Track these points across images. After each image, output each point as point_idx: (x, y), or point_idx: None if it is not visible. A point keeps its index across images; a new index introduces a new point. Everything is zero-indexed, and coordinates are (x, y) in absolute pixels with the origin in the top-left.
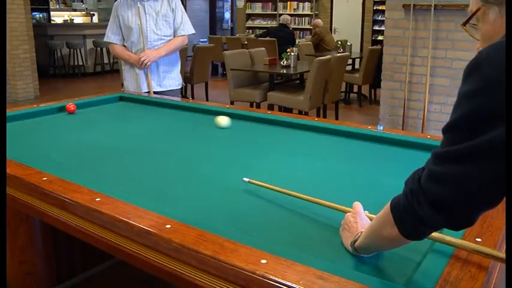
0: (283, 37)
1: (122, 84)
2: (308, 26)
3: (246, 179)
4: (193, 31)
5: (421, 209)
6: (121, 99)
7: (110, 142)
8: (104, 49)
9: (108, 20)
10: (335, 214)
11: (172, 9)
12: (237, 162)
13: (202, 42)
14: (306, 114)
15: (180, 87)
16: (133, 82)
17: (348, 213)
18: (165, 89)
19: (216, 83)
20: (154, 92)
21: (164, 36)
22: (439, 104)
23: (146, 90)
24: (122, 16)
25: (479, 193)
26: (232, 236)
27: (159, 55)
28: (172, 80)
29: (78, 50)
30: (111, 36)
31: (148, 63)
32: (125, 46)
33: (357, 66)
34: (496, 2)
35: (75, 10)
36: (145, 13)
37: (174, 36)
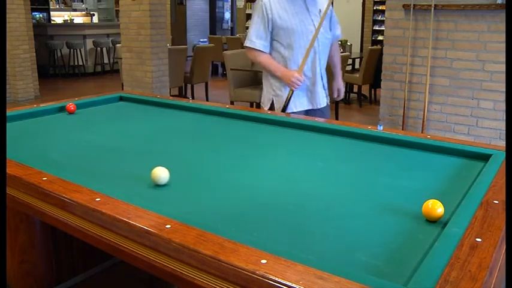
0: None
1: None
2: None
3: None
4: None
5: None
6: (121, 99)
7: (110, 142)
8: (104, 49)
9: (108, 20)
10: (336, 214)
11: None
12: (237, 162)
13: (202, 42)
14: None
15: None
16: (302, 96)
17: None
18: (317, 107)
19: (216, 83)
20: (305, 111)
21: (329, 41)
22: (439, 104)
23: (321, 106)
24: (277, 15)
25: None
26: (232, 236)
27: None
28: (325, 96)
29: (78, 50)
30: (255, 41)
31: (298, 85)
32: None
33: (357, 66)
34: None
35: (75, 10)
36: (308, 12)
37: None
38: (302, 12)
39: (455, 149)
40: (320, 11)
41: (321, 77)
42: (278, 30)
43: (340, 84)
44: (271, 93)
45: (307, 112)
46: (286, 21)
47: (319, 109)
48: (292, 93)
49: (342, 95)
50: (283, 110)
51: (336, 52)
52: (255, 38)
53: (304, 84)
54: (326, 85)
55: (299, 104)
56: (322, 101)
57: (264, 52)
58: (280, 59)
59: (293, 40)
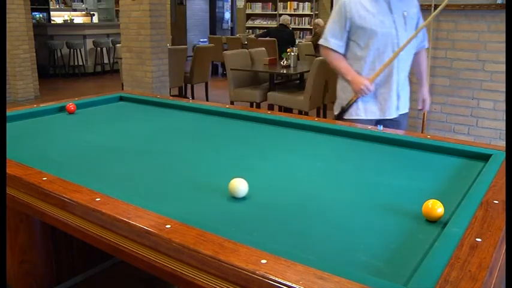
0: (283, 37)
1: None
2: (308, 26)
3: None
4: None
5: None
6: (121, 99)
7: (110, 142)
8: (104, 49)
9: (108, 20)
10: (336, 214)
11: (416, 11)
12: (237, 162)
13: (202, 42)
14: (306, 114)
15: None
16: (373, 104)
17: None
18: (389, 117)
19: (216, 83)
20: (386, 120)
21: (413, 48)
22: (439, 104)
23: (392, 117)
24: (357, 14)
25: None
26: (232, 236)
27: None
28: (407, 101)
29: (78, 50)
30: (330, 39)
31: (365, 93)
32: (343, 55)
33: None
34: None
35: (75, 10)
36: (391, 13)
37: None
38: (384, 13)
39: (455, 149)
40: (404, 14)
41: (397, 86)
42: (356, 29)
43: (425, 94)
44: (341, 97)
45: (378, 121)
46: (366, 21)
47: (391, 119)
48: (356, 100)
49: (427, 107)
50: (340, 115)
51: (423, 61)
52: (330, 37)
53: (376, 92)
54: (407, 94)
55: (370, 112)
56: (394, 111)
57: (337, 52)
58: (355, 60)
59: (371, 41)
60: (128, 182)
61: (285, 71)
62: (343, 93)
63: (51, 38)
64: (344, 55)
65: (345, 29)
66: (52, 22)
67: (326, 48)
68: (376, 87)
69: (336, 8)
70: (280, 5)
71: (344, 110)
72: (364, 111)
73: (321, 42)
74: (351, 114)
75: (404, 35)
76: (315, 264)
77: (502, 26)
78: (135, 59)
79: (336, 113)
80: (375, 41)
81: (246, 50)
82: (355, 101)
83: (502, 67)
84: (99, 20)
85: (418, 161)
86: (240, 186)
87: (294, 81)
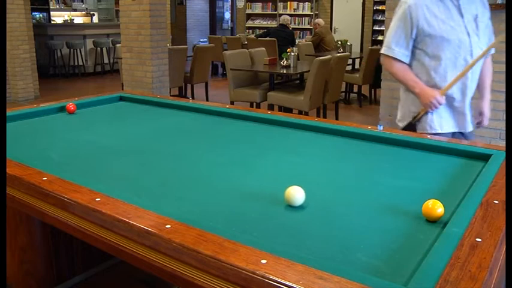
0: (283, 37)
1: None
2: (308, 26)
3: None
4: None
5: None
6: (121, 99)
7: (110, 142)
8: (104, 49)
9: (108, 20)
10: (336, 214)
11: (487, 13)
12: (237, 162)
13: (202, 42)
14: (306, 114)
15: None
16: (449, 117)
17: None
18: (465, 131)
19: (216, 83)
20: (452, 133)
21: (486, 56)
22: None
23: (469, 130)
24: (425, 21)
25: None
26: (232, 236)
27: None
28: (471, 120)
29: (78, 50)
30: (395, 48)
31: (436, 107)
32: (408, 65)
33: (357, 66)
34: None
35: (75, 10)
36: (462, 18)
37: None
38: (454, 18)
39: (455, 149)
40: (476, 16)
41: (470, 97)
42: (424, 37)
43: (485, 107)
44: (411, 110)
45: (453, 134)
46: (435, 28)
47: (465, 133)
48: (425, 113)
49: (486, 122)
50: (409, 128)
51: (488, 70)
52: (395, 46)
53: (450, 104)
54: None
55: (446, 125)
56: (469, 125)
57: (403, 62)
58: (422, 70)
59: (441, 50)
60: (128, 182)
61: (285, 71)
62: (413, 106)
63: (51, 38)
64: (408, 65)
65: (411, 37)
66: (52, 22)
67: (389, 58)
68: (449, 99)
69: (399, 12)
70: (280, 5)
71: (412, 124)
72: (439, 125)
73: (383, 51)
74: (425, 128)
75: (477, 41)
76: (315, 264)
77: (502, 26)
78: (135, 59)
79: (401, 124)
80: (446, 50)
81: (246, 50)
82: (424, 115)
83: (502, 67)
84: (99, 20)
85: (418, 161)
86: (297, 194)
87: (294, 81)
